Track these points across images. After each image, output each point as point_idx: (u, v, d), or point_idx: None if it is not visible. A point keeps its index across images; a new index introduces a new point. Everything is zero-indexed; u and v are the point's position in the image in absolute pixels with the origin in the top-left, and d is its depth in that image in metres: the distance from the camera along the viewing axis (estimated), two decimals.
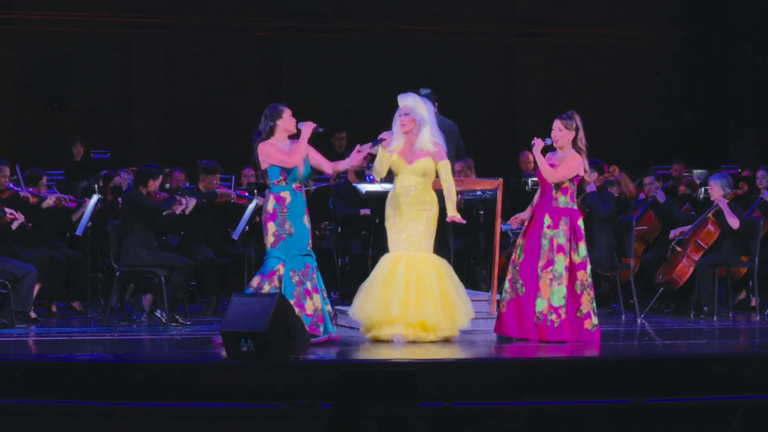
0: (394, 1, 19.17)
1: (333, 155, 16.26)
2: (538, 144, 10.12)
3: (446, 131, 11.28)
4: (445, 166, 10.05)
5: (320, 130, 9.91)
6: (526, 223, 10.20)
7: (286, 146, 9.86)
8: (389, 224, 10.15)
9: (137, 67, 18.56)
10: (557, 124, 10.19)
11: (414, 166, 10.04)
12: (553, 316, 9.93)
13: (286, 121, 9.85)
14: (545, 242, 10.01)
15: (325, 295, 9.93)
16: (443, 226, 10.44)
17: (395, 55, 18.78)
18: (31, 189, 12.12)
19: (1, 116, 18.12)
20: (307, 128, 9.84)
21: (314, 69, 18.72)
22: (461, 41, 19.15)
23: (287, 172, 9.82)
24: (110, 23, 18.37)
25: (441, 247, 10.52)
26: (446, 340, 9.92)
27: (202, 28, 18.73)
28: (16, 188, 12.02)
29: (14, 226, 11.63)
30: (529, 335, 9.95)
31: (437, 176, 10.12)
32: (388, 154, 10.05)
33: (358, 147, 10.07)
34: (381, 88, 17.43)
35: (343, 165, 10.24)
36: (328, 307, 9.92)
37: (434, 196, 10.14)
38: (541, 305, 9.94)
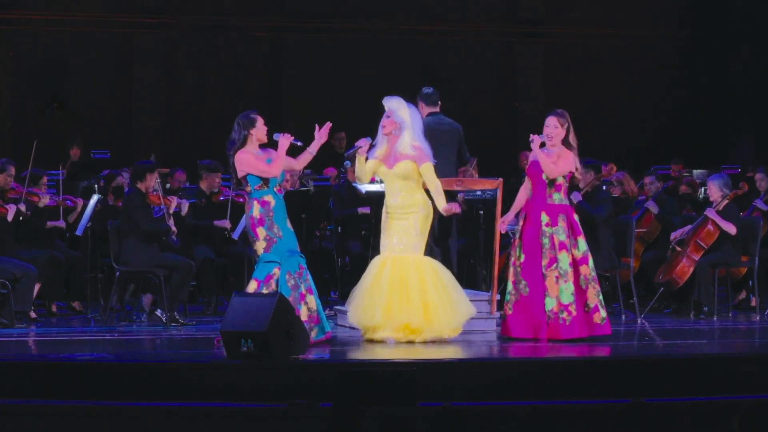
0: (394, 1, 19.17)
1: (333, 155, 16.30)
2: (536, 140, 10.12)
3: (447, 131, 11.25)
4: (427, 169, 10.01)
5: (298, 144, 9.89)
6: (521, 223, 10.17)
7: (260, 154, 9.84)
8: (382, 229, 10.17)
9: (137, 67, 18.57)
10: (553, 121, 10.19)
11: (395, 170, 10.04)
12: (564, 314, 9.94)
13: (259, 130, 9.83)
14: (546, 241, 10.01)
15: (317, 293, 9.93)
16: (444, 227, 10.41)
17: (395, 55, 18.78)
18: (32, 188, 12.12)
19: (1, 116, 18.13)
20: (285, 141, 9.79)
21: (314, 69, 18.72)
22: (461, 41, 19.15)
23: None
24: (110, 23, 18.37)
25: (443, 250, 10.50)
26: (440, 341, 9.91)
27: (202, 28, 18.74)
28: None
29: (10, 217, 11.61)
30: (540, 335, 9.95)
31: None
32: (366, 161, 10.06)
33: (317, 131, 9.95)
34: (381, 88, 17.41)
35: (306, 157, 10.05)
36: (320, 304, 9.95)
37: (424, 198, 10.10)
38: (550, 304, 9.95)
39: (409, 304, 9.87)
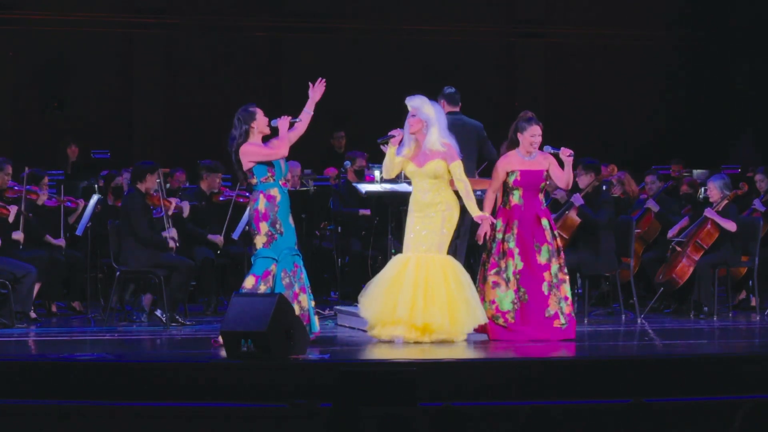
0: (395, 1, 19.18)
1: (333, 155, 16.31)
2: (572, 155, 10.08)
3: (467, 130, 11.22)
4: (457, 167, 9.98)
5: (297, 121, 9.92)
6: (516, 230, 10.09)
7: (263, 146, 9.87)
8: (406, 226, 10.12)
9: (137, 67, 18.57)
10: (540, 129, 10.17)
11: (425, 169, 10.00)
12: (572, 311, 10.09)
13: (259, 122, 9.84)
14: (555, 243, 10.03)
15: (310, 290, 9.94)
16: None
17: (395, 55, 18.78)
18: (30, 186, 12.11)
19: (1, 116, 18.13)
20: (284, 122, 9.83)
21: (314, 69, 18.67)
22: (461, 41, 19.16)
23: (273, 168, 9.81)
24: (110, 23, 18.37)
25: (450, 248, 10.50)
26: (449, 341, 9.90)
27: (202, 28, 18.74)
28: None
29: (11, 218, 11.61)
30: (549, 335, 9.97)
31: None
32: (397, 156, 10.02)
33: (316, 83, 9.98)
34: (381, 88, 17.44)
35: (305, 118, 10.02)
36: (312, 302, 9.94)
37: (452, 197, 10.07)
38: (565, 306, 10.01)
39: (433, 305, 9.84)
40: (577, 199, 11.95)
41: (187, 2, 18.78)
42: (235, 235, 12.81)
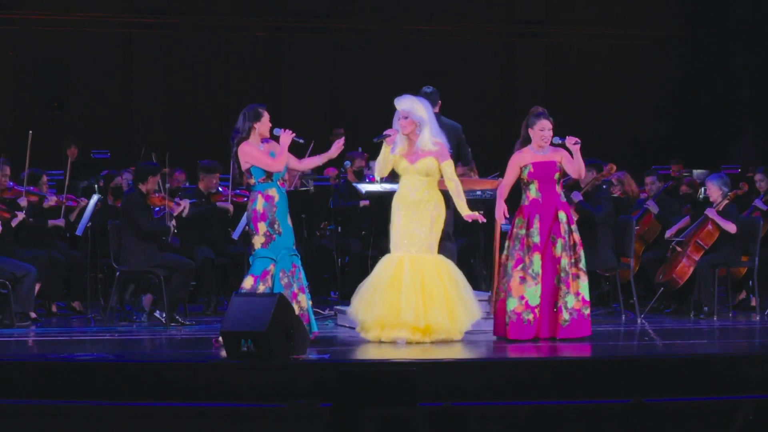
0: (394, 1, 19.18)
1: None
2: (578, 142, 10.07)
3: (446, 131, 11.22)
4: (448, 167, 10.02)
5: (300, 141, 9.93)
6: (538, 224, 10.07)
7: (261, 147, 9.87)
8: (393, 224, 10.12)
9: (137, 67, 18.57)
10: (551, 124, 10.18)
11: (417, 166, 10.02)
12: (587, 310, 10.00)
13: (263, 125, 9.87)
14: (569, 238, 10.01)
15: (308, 292, 9.93)
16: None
17: (395, 55, 18.77)
18: (32, 188, 12.12)
19: (1, 116, 18.12)
20: (287, 137, 9.82)
21: (314, 69, 18.72)
22: (461, 41, 19.16)
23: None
24: (110, 23, 18.37)
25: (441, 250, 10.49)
26: (448, 341, 9.90)
27: (202, 28, 18.74)
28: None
29: (14, 223, 11.63)
30: (554, 333, 9.96)
31: (442, 176, 10.09)
32: (390, 154, 10.03)
33: (338, 142, 10.10)
34: (381, 87, 17.38)
35: (316, 161, 10.24)
36: (310, 302, 9.94)
37: (440, 197, 10.10)
38: (572, 301, 9.96)
39: (433, 306, 9.84)
40: (576, 195, 11.97)
41: (187, 2, 18.78)
42: (235, 235, 12.81)
